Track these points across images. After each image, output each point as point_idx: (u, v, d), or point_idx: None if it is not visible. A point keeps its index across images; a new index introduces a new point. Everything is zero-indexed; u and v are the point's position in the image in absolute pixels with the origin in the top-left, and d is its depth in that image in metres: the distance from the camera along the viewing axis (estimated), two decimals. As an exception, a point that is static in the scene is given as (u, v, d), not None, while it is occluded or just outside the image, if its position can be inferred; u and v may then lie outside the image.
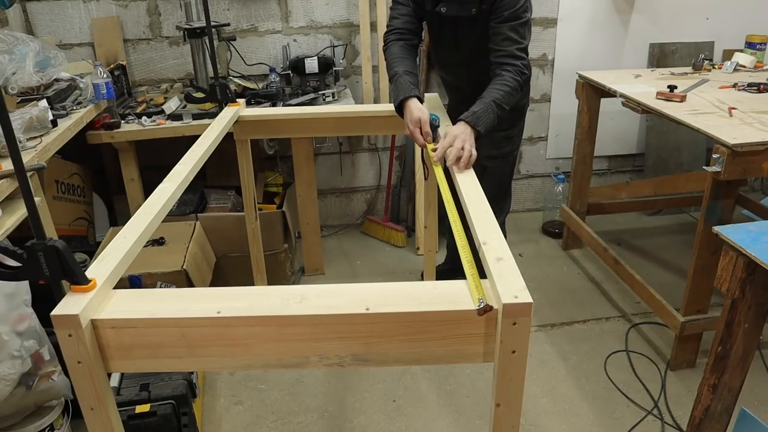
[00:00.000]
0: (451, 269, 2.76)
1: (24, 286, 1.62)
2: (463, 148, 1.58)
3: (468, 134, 1.65)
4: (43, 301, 1.52)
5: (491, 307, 0.96)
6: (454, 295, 1.01)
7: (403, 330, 0.98)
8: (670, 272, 2.87)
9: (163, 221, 1.34)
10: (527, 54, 1.89)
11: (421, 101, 1.83)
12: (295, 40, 3.02)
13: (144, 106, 2.66)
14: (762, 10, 3.23)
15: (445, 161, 1.62)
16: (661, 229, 3.33)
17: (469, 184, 1.43)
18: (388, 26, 2.07)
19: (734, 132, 1.86)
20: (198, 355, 1.01)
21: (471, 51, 2.05)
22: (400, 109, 1.84)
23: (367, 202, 3.45)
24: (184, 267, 2.21)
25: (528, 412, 2.05)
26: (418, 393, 2.16)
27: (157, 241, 2.38)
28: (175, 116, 2.52)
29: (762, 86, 2.36)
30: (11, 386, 1.56)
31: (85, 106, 2.33)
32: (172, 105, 2.58)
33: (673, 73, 2.73)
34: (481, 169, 2.05)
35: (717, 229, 1.43)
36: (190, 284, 2.22)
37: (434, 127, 1.76)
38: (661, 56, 3.24)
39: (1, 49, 2.14)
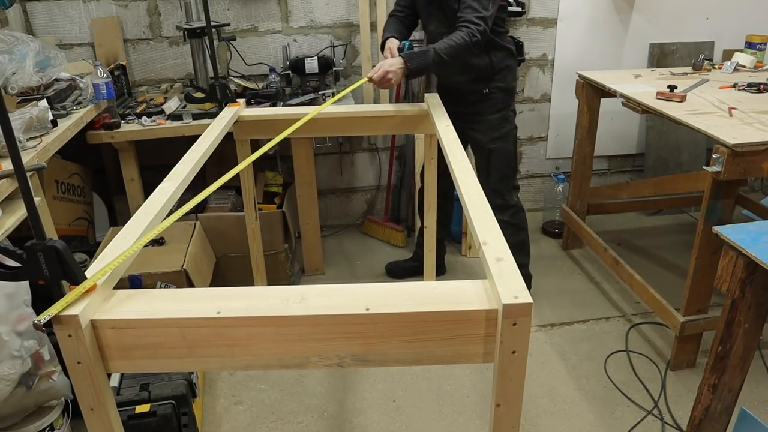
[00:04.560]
0: (419, 266, 2.75)
1: (24, 286, 1.62)
2: (385, 72, 1.97)
3: (394, 64, 1.99)
4: (43, 301, 1.52)
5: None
6: (454, 296, 1.01)
7: (403, 330, 0.98)
8: (670, 272, 2.87)
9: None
10: (486, 24, 2.08)
11: (400, 40, 2.29)
12: (295, 40, 3.02)
13: (144, 106, 2.66)
14: (762, 10, 3.23)
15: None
16: (661, 229, 3.33)
17: (469, 183, 1.43)
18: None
19: (734, 132, 1.86)
20: (198, 355, 1.01)
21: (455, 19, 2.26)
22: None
23: (367, 202, 3.45)
24: (184, 267, 2.21)
25: (528, 412, 2.05)
26: (418, 393, 2.16)
27: (157, 241, 2.38)
28: (175, 116, 2.52)
29: (762, 86, 2.36)
30: (11, 386, 1.56)
31: (85, 106, 2.33)
32: (172, 105, 2.58)
33: (673, 73, 2.73)
34: (488, 153, 2.42)
35: (717, 229, 1.43)
36: (190, 284, 2.22)
37: (404, 49, 2.20)
38: (661, 56, 3.24)
39: (1, 49, 2.14)
